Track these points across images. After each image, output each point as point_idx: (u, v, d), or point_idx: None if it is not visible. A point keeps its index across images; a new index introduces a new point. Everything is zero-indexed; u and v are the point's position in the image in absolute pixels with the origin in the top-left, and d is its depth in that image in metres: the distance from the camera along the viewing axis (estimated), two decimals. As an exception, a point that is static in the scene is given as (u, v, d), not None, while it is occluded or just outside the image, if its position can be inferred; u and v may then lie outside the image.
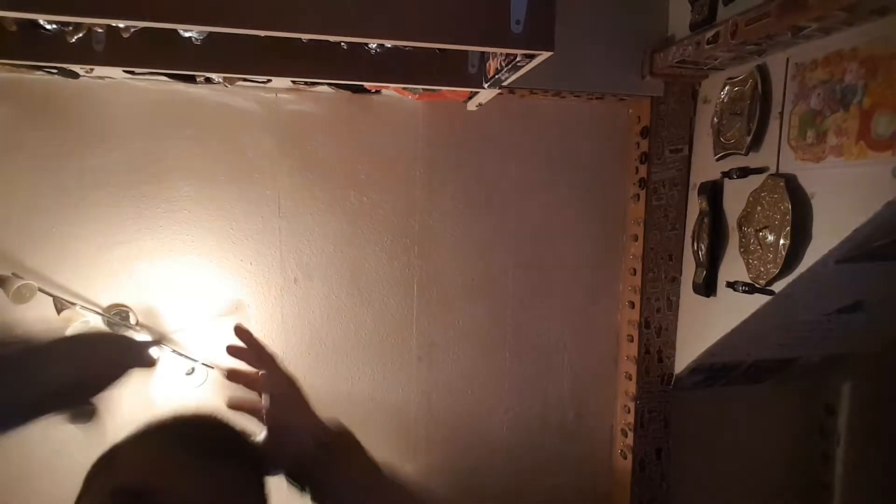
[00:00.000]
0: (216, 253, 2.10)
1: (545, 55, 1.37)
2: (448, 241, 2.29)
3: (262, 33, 1.30)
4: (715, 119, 2.08)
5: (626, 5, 2.12)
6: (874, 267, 1.81)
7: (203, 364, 2.09)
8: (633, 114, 2.34)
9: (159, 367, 2.06)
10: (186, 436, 0.83)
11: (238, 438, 0.88)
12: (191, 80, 1.95)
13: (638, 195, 2.31)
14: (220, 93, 2.04)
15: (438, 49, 1.66)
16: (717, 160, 2.08)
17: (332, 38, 1.44)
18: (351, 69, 1.74)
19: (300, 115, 2.13)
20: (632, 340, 2.37)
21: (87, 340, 1.07)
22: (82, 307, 1.95)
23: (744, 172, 1.95)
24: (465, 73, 1.79)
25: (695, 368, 2.28)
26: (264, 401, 0.94)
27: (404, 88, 2.03)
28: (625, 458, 2.44)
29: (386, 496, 0.93)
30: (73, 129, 1.95)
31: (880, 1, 1.42)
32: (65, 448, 1.94)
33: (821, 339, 2.21)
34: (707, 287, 2.12)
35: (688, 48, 1.95)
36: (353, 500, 0.91)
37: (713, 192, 2.10)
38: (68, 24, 1.43)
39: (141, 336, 1.98)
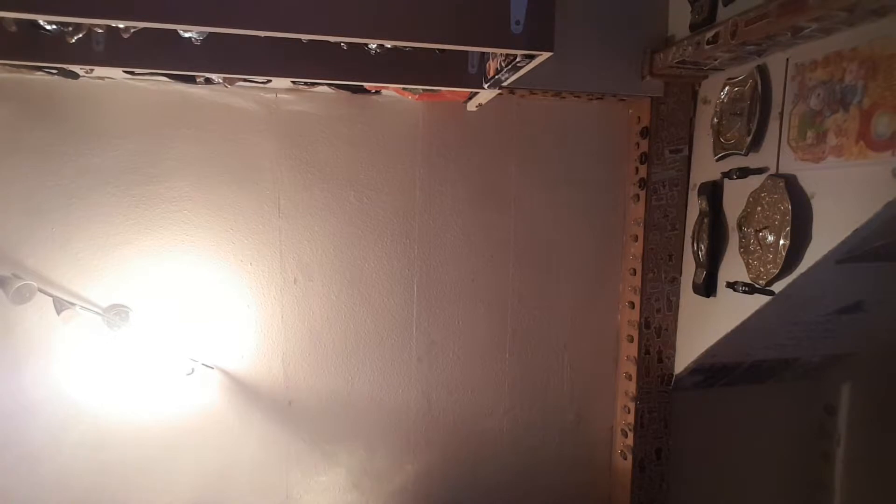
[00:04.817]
0: (216, 253, 2.09)
1: (545, 56, 1.38)
2: (448, 241, 2.29)
3: (262, 33, 1.30)
4: (715, 119, 2.08)
5: (626, 6, 2.12)
6: (874, 267, 1.81)
7: (203, 364, 2.09)
8: (633, 114, 2.34)
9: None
10: None
11: None
12: (191, 80, 1.95)
13: (638, 195, 2.31)
14: (220, 93, 2.05)
15: (438, 49, 1.66)
16: (717, 160, 2.08)
17: (332, 38, 1.44)
18: (351, 69, 1.74)
19: (300, 115, 2.13)
20: (632, 341, 2.37)
21: None
22: (82, 307, 1.95)
23: (744, 173, 1.95)
24: (465, 74, 1.80)
25: (695, 369, 2.28)
26: None
27: (404, 88, 2.03)
28: (625, 458, 2.44)
29: None
30: (72, 129, 1.95)
31: (880, 1, 1.43)
32: None
33: (821, 339, 2.21)
34: (707, 287, 2.12)
35: (688, 48, 1.95)
36: None
37: (713, 192, 2.10)
38: (68, 24, 1.43)
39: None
